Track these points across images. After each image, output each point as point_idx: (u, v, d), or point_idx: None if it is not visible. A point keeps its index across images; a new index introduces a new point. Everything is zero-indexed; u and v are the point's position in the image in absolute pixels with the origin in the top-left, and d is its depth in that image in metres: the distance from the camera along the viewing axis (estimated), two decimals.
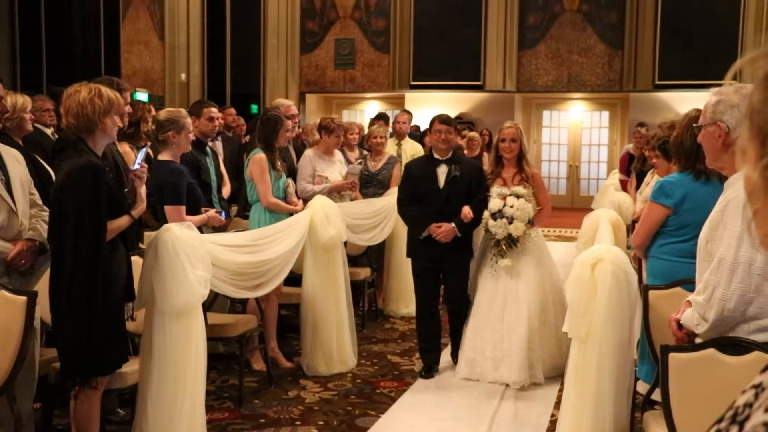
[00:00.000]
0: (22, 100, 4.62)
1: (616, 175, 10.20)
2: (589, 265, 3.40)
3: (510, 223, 5.09)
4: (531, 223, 5.22)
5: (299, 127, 8.24)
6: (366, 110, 18.01)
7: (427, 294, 5.48)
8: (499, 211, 5.15)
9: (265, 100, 16.30)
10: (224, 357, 5.74)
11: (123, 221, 3.53)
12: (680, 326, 2.76)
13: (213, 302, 5.25)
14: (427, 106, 16.63)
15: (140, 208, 3.70)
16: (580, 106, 17.98)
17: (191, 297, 3.67)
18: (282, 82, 17.15)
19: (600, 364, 3.42)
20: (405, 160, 8.65)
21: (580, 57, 16.53)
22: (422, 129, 10.65)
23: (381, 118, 9.96)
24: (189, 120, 4.68)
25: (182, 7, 14.67)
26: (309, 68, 17.68)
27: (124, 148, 4.84)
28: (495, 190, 5.30)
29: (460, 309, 5.46)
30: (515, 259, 5.22)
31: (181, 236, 3.65)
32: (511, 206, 5.11)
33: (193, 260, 3.68)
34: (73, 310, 3.31)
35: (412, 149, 8.79)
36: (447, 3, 16.41)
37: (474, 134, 11.11)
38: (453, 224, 5.23)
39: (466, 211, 5.23)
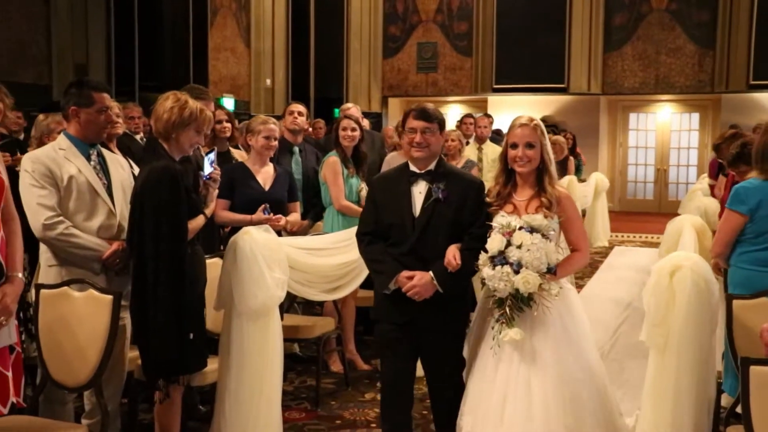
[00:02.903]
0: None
1: (705, 180, 9.88)
2: (667, 272, 3.31)
3: (516, 272, 3.27)
4: (552, 272, 3.35)
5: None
6: (448, 114, 17.98)
7: (396, 373, 3.65)
8: (501, 252, 3.32)
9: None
10: (302, 359, 5.83)
11: (200, 221, 3.69)
12: None
13: (291, 304, 5.36)
14: (509, 109, 16.49)
15: (210, 207, 3.87)
16: (668, 108, 17.48)
17: (268, 299, 3.75)
18: (365, 87, 17.31)
19: (678, 374, 3.32)
20: (486, 164, 8.63)
21: (669, 57, 16.08)
22: (504, 132, 10.59)
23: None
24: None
25: (268, 14, 15.00)
26: (391, 72, 17.78)
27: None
28: (499, 219, 3.43)
29: (447, 391, 3.65)
30: (528, 329, 3.37)
31: (259, 239, 3.75)
32: (518, 246, 3.30)
33: (271, 263, 3.76)
34: (160, 310, 3.44)
35: (493, 153, 8.73)
36: (530, 5, 16.24)
37: (558, 138, 10.95)
38: (430, 274, 3.46)
39: (450, 255, 3.44)
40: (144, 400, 4.22)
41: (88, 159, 3.76)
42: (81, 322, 3.25)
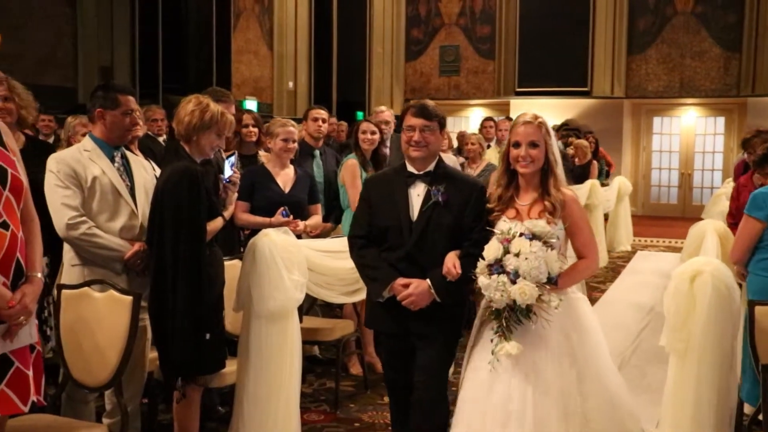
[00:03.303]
0: None
1: (730, 184, 9.79)
2: (687, 277, 3.28)
3: (513, 282, 3.05)
4: (554, 282, 3.10)
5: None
6: (471, 117, 17.94)
7: (395, 382, 3.61)
8: (498, 261, 3.10)
9: (370, 108, 16.51)
10: (322, 361, 5.84)
11: (218, 223, 3.72)
12: None
13: (311, 307, 5.37)
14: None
15: (230, 210, 3.90)
16: (693, 112, 17.31)
17: (287, 301, 3.76)
18: (387, 90, 17.33)
19: (699, 381, 3.29)
20: None
21: (694, 61, 15.95)
22: None
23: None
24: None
25: (290, 17, 15.05)
26: (414, 75, 17.80)
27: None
28: (501, 225, 3.23)
29: (428, 398, 3.41)
30: (528, 343, 3.14)
31: (278, 242, 3.76)
32: (516, 254, 3.06)
33: (290, 265, 3.77)
34: (178, 311, 3.47)
35: None
36: (553, 8, 16.18)
37: (582, 141, 10.89)
38: (428, 282, 3.31)
39: (450, 263, 3.27)
40: (164, 400, 4.25)
41: (112, 161, 3.80)
42: (101, 322, 3.28)
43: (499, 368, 3.16)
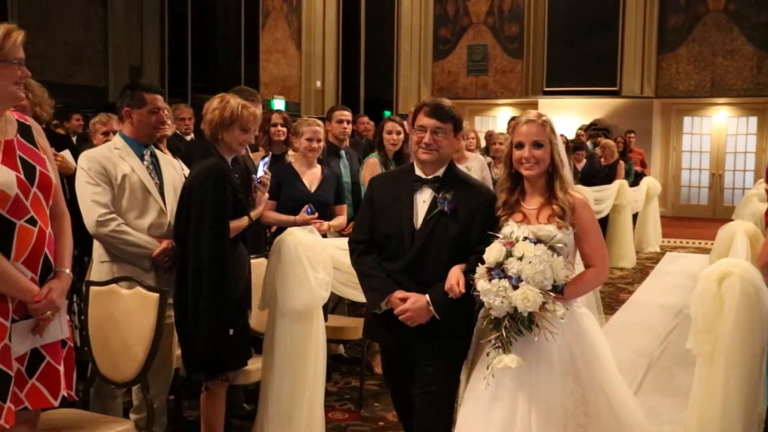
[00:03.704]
0: None
1: (762, 185, 9.65)
2: (715, 279, 3.23)
3: (515, 287, 2.78)
4: (559, 291, 2.86)
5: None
6: (498, 117, 17.87)
7: (396, 401, 3.45)
8: (499, 264, 2.85)
9: (398, 107, 16.52)
10: (347, 360, 5.86)
11: (243, 222, 3.74)
12: None
13: (337, 305, 5.38)
14: (560, 112, 16.33)
15: (258, 210, 3.90)
16: (724, 112, 17.10)
17: (312, 299, 3.78)
18: (414, 89, 17.33)
19: (726, 384, 3.24)
20: None
21: (726, 60, 15.75)
22: None
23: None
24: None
25: (318, 16, 15.10)
26: (441, 75, 17.78)
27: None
28: (506, 230, 2.96)
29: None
30: (530, 357, 2.90)
31: (303, 240, 3.77)
32: (520, 258, 2.81)
33: (315, 264, 3.78)
34: (201, 307, 3.51)
35: None
36: (581, 7, 16.06)
37: (609, 141, 10.81)
38: (426, 297, 3.04)
39: (454, 279, 3.00)
40: (190, 396, 4.29)
41: (142, 159, 3.84)
42: (128, 319, 3.32)
43: (499, 389, 2.91)
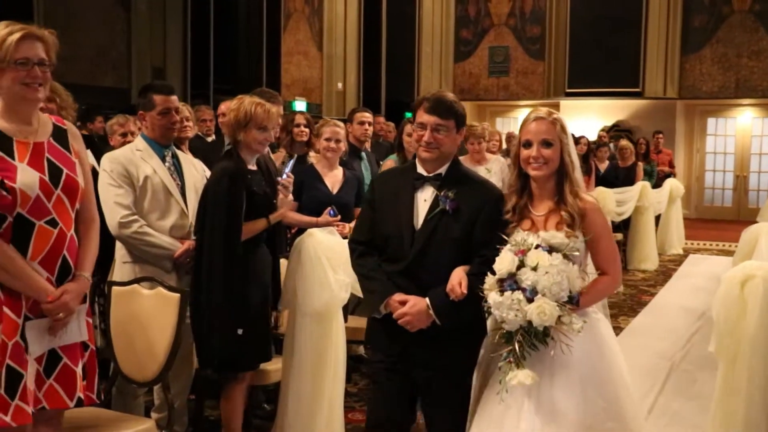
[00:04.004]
0: (180, 108, 4.94)
1: None
2: (738, 282, 3.20)
3: (530, 300, 2.62)
4: (575, 302, 2.69)
5: None
6: (520, 118, 17.81)
7: (384, 419, 3.06)
8: (511, 275, 2.67)
9: None
10: (367, 360, 5.86)
11: (259, 224, 3.73)
12: None
13: (356, 306, 5.38)
14: (582, 113, 16.26)
15: (278, 213, 3.87)
16: (749, 113, 16.92)
17: (332, 300, 3.78)
18: (435, 90, 17.29)
19: (750, 388, 3.20)
20: None
21: (751, 60, 15.58)
22: (575, 136, 10.47)
23: None
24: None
25: (340, 18, 15.13)
26: (462, 76, 17.74)
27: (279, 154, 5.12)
28: (516, 237, 2.80)
29: None
30: (545, 371, 2.73)
31: (323, 241, 3.78)
32: (534, 267, 2.65)
33: (335, 265, 3.79)
34: (211, 307, 3.55)
35: None
36: (604, 7, 15.95)
37: (625, 143, 10.72)
38: (426, 301, 2.88)
39: (456, 280, 2.84)
40: (211, 396, 4.31)
41: (163, 160, 3.88)
42: (150, 318, 3.35)
43: (511, 402, 2.72)
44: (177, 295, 3.32)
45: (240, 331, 3.56)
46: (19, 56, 2.57)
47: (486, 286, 2.71)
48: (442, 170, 3.00)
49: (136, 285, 3.47)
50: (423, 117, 2.97)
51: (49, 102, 4.03)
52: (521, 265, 2.67)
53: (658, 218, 11.19)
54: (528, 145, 2.88)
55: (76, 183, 2.70)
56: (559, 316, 2.62)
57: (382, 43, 16.21)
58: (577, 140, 9.70)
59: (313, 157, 5.63)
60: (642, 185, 10.11)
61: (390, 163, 5.58)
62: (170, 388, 3.43)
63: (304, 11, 14.46)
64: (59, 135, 2.76)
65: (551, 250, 2.69)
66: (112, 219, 3.72)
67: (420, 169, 3.02)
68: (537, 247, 2.69)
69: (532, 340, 2.65)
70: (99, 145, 6.19)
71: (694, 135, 17.11)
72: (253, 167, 3.78)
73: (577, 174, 2.91)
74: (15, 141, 2.62)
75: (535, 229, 2.85)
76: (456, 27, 17.56)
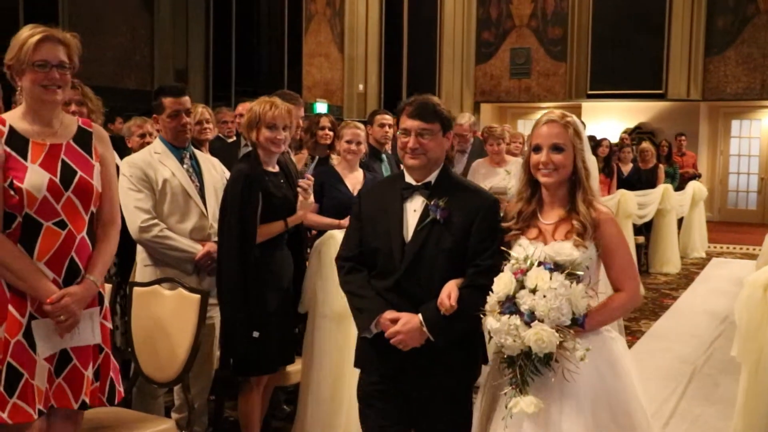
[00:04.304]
0: (200, 110, 4.97)
1: None
2: (761, 285, 3.16)
3: (528, 325, 2.43)
4: (579, 324, 2.49)
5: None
6: None
7: None
8: (510, 298, 2.49)
9: None
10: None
11: (275, 227, 3.69)
12: None
13: None
14: (604, 115, 16.16)
15: (296, 216, 3.82)
16: None
17: None
18: (457, 93, 17.28)
19: None
20: None
21: None
22: (597, 139, 10.41)
23: None
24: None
25: (361, 20, 15.17)
26: (484, 78, 17.69)
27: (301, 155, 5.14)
28: (517, 250, 2.65)
29: None
30: (553, 397, 2.53)
31: None
32: (533, 289, 2.45)
33: None
34: (227, 307, 3.57)
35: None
36: (627, 9, 15.83)
37: (645, 145, 10.62)
38: (419, 317, 2.70)
39: (446, 294, 2.67)
40: (231, 397, 4.33)
41: (181, 162, 3.89)
42: (170, 319, 3.37)
43: (517, 430, 2.52)
44: (197, 296, 3.34)
45: (256, 334, 3.55)
46: (38, 58, 2.60)
47: (487, 308, 2.53)
48: (432, 178, 2.84)
49: (157, 286, 3.49)
50: (406, 122, 2.82)
51: (81, 105, 4.09)
52: (521, 285, 2.47)
53: (680, 221, 11.11)
54: (538, 149, 2.70)
55: (89, 185, 2.70)
56: (561, 342, 2.42)
57: (403, 45, 16.22)
58: (598, 142, 9.64)
59: (334, 158, 5.64)
60: (664, 188, 10.04)
61: None
62: (190, 389, 3.45)
63: (325, 13, 14.51)
64: (82, 137, 2.76)
65: (555, 267, 2.48)
66: (133, 223, 3.74)
67: (408, 179, 2.86)
68: (540, 264, 2.49)
69: (535, 366, 2.47)
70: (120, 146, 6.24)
71: (718, 137, 16.94)
72: (273, 169, 3.75)
73: (592, 182, 2.73)
74: (31, 142, 2.64)
75: (541, 238, 2.67)
76: (477, 29, 17.51)
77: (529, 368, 2.47)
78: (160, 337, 3.38)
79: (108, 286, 3.41)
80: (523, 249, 2.60)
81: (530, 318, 2.42)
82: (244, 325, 3.55)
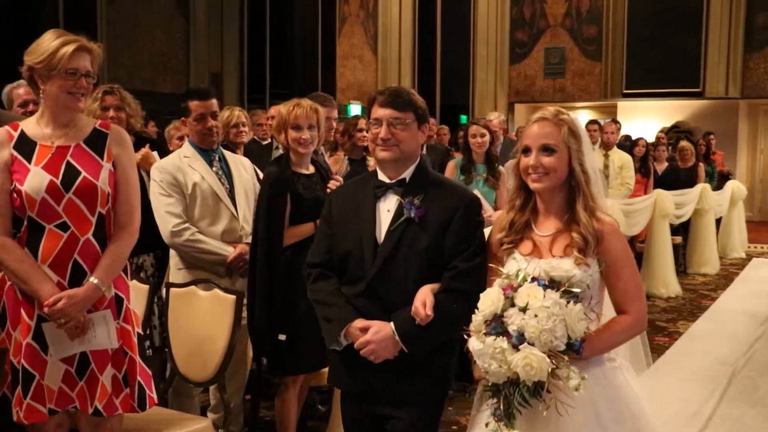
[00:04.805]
0: (227, 114, 5.01)
1: None
2: None
3: (516, 347, 2.12)
4: (576, 350, 2.16)
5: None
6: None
7: None
8: (497, 317, 2.18)
9: (474, 111, 16.45)
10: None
11: (304, 229, 3.64)
12: None
13: None
14: (640, 115, 15.98)
15: None
16: None
17: None
18: (491, 93, 17.21)
19: None
20: (612, 172, 8.40)
21: None
22: (633, 138, 10.31)
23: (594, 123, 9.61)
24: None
25: (395, 21, 15.18)
26: (518, 78, 17.60)
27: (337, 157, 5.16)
28: (510, 264, 2.37)
29: None
30: (540, 429, 2.22)
31: None
32: (524, 307, 2.15)
33: None
34: (257, 308, 3.57)
35: (620, 160, 8.52)
36: (663, 6, 15.64)
37: (684, 144, 10.47)
38: (391, 325, 2.47)
39: (419, 302, 2.43)
40: (267, 397, 4.36)
41: (210, 164, 3.91)
42: (206, 319, 3.40)
43: None
44: (233, 297, 3.37)
45: (282, 337, 3.53)
46: (71, 66, 2.63)
47: (472, 327, 2.23)
48: (406, 175, 2.62)
49: (193, 287, 3.53)
50: (377, 112, 2.61)
51: (119, 111, 4.14)
52: (511, 303, 2.18)
53: (719, 221, 10.93)
54: (527, 151, 2.41)
55: (92, 185, 2.65)
56: (553, 369, 2.10)
57: (436, 46, 16.19)
58: (635, 142, 9.54)
59: (371, 160, 5.67)
60: (702, 187, 9.89)
61: (450, 164, 5.62)
62: (226, 389, 3.49)
63: (359, 15, 14.55)
64: (96, 139, 2.74)
65: (550, 284, 2.19)
66: (165, 228, 3.78)
67: (381, 176, 2.65)
68: (533, 279, 2.19)
69: (523, 395, 2.15)
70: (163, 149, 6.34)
71: (758, 135, 16.65)
72: (306, 170, 3.73)
73: (594, 188, 2.39)
74: (38, 145, 2.66)
75: (537, 253, 2.38)
76: (511, 28, 17.43)
77: (516, 398, 2.16)
78: (196, 338, 3.41)
79: (145, 287, 3.49)
80: (517, 264, 2.34)
81: (519, 340, 2.12)
82: (272, 328, 3.54)
